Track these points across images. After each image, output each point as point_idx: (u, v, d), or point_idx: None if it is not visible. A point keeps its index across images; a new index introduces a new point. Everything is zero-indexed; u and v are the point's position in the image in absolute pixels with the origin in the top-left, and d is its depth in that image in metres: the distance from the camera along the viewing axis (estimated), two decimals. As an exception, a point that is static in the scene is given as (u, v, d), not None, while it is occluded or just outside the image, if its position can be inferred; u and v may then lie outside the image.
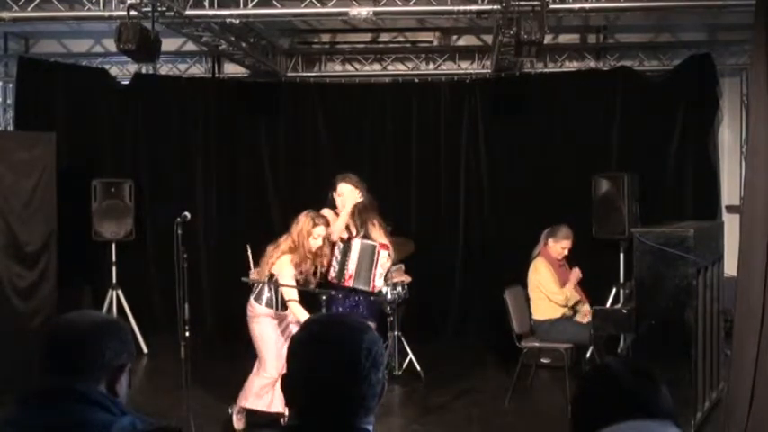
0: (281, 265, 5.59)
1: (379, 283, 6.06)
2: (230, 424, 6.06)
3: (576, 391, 2.15)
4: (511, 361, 7.02)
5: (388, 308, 7.18)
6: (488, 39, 8.70)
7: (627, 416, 1.93)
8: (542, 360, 7.58)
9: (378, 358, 1.82)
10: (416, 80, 9.69)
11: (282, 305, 5.64)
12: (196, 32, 7.45)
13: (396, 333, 7.53)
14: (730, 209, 8.74)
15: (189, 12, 6.74)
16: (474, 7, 6.73)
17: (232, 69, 9.70)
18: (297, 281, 5.65)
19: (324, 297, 5.59)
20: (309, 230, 5.64)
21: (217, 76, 9.78)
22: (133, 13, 6.35)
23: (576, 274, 7.15)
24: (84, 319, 2.18)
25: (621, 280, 8.41)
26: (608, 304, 8.03)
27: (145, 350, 8.38)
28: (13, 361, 6.03)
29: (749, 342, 5.00)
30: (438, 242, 9.21)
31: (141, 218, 8.90)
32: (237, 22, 7.11)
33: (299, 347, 1.83)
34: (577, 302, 7.13)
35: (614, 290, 8.35)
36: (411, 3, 6.86)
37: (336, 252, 5.99)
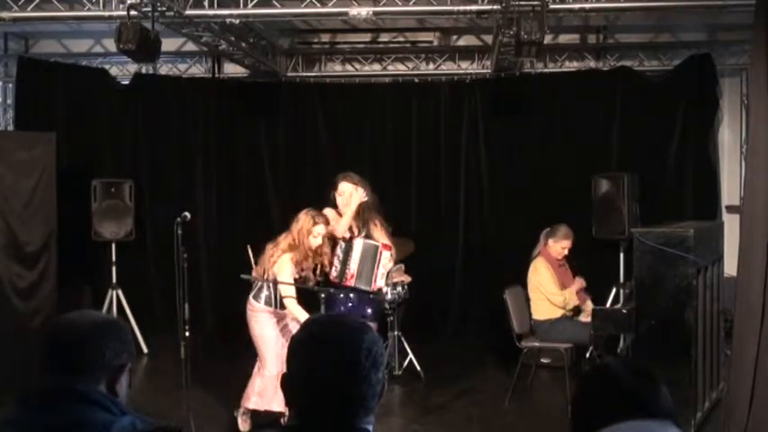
0: (281, 264, 5.59)
1: (380, 284, 6.05)
2: (231, 424, 6.06)
3: (576, 391, 2.15)
4: (511, 361, 7.02)
5: (388, 307, 7.18)
6: (488, 39, 8.70)
7: (627, 416, 1.92)
8: (542, 360, 7.57)
9: (378, 358, 1.82)
10: (416, 80, 9.69)
11: (281, 304, 5.64)
12: (196, 32, 7.45)
13: (396, 333, 7.53)
14: (730, 209, 8.74)
15: (189, 12, 6.74)
16: (474, 7, 6.73)
17: (232, 69, 9.70)
18: (296, 279, 5.65)
19: (323, 295, 5.57)
20: (309, 229, 5.65)
21: (217, 76, 9.78)
22: (133, 13, 6.36)
23: (579, 283, 7.14)
24: (84, 319, 2.18)
25: (621, 280, 8.41)
26: (608, 304, 8.03)
27: (145, 350, 8.38)
28: (13, 361, 6.03)
29: (749, 342, 5.00)
30: (438, 242, 9.21)
31: (141, 218, 8.90)
32: (237, 22, 7.11)
33: (299, 347, 1.84)
34: (577, 306, 7.13)
35: (614, 290, 8.35)
36: (411, 3, 6.86)
37: (338, 252, 5.98)
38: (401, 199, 9.14)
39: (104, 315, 2.53)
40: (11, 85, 9.56)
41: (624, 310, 6.22)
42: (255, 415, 5.88)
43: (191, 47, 9.10)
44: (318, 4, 6.94)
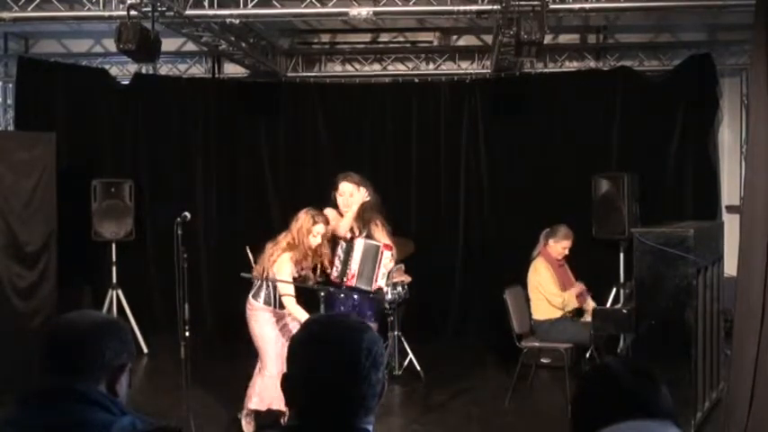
0: (281, 263, 5.59)
1: (381, 284, 6.04)
2: (231, 424, 6.07)
3: (576, 391, 2.15)
4: (511, 361, 7.02)
5: (388, 307, 7.18)
6: (488, 39, 8.70)
7: (627, 416, 1.93)
8: (542, 360, 7.57)
9: (378, 358, 1.82)
10: (416, 80, 9.69)
11: (280, 303, 5.63)
12: (196, 32, 7.45)
13: (396, 333, 7.53)
14: (730, 209, 8.74)
15: (189, 12, 6.74)
16: (474, 7, 6.73)
17: (232, 69, 9.70)
18: (295, 278, 5.64)
19: (322, 294, 5.56)
20: (309, 228, 5.64)
21: (217, 76, 9.78)
22: (133, 13, 6.36)
23: (579, 287, 7.14)
24: (84, 319, 2.18)
25: (621, 280, 8.41)
26: (608, 304, 8.03)
27: (145, 350, 8.38)
28: (13, 361, 6.03)
29: (749, 342, 5.00)
30: (438, 242, 9.21)
31: (141, 218, 8.90)
32: (237, 22, 7.11)
33: (299, 348, 1.84)
34: (579, 308, 7.12)
35: (614, 290, 8.35)
36: (411, 3, 6.86)
37: (339, 251, 5.97)
38: (401, 199, 9.14)
39: (104, 315, 2.53)
40: (11, 85, 9.57)
41: (624, 310, 6.22)
42: (257, 416, 5.86)
43: (191, 47, 9.10)
44: (318, 4, 6.94)
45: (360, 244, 5.95)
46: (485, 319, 8.83)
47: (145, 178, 9.27)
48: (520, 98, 9.13)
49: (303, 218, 5.67)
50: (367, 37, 9.10)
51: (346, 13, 6.82)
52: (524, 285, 7.08)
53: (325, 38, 9.13)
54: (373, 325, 5.82)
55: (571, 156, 9.03)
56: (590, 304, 7.12)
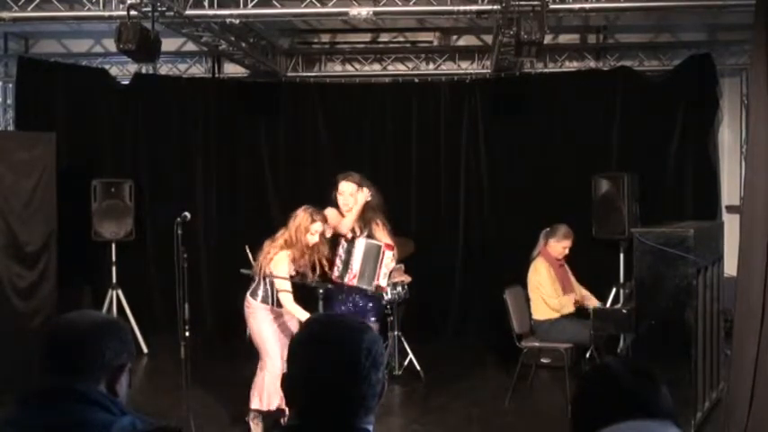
0: (278, 261, 5.58)
1: (382, 283, 6.03)
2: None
3: (576, 391, 2.15)
4: (511, 361, 7.02)
5: (388, 307, 7.18)
6: (488, 39, 8.70)
7: (627, 416, 1.93)
8: (542, 360, 7.57)
9: (378, 358, 1.82)
10: (416, 80, 9.69)
11: (278, 302, 5.62)
12: (196, 32, 7.45)
13: (396, 333, 7.54)
14: (730, 209, 8.74)
15: (189, 12, 6.74)
16: (474, 7, 6.73)
17: (232, 69, 9.70)
18: (293, 276, 5.63)
19: (321, 291, 5.54)
20: (307, 226, 5.63)
21: (217, 76, 9.78)
22: (133, 13, 6.36)
23: (580, 296, 7.13)
24: (84, 319, 2.18)
25: (621, 280, 8.41)
26: (608, 304, 8.02)
27: (145, 350, 8.38)
28: (13, 361, 6.03)
29: (749, 342, 5.00)
30: (438, 242, 9.21)
31: (141, 218, 8.90)
32: (237, 22, 7.11)
33: (299, 348, 1.84)
34: (577, 302, 7.12)
35: (614, 290, 8.34)
36: (411, 3, 6.86)
37: (340, 251, 5.96)
38: (401, 199, 9.13)
39: (104, 315, 2.53)
40: (11, 85, 9.57)
41: (624, 310, 6.22)
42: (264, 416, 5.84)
43: (191, 47, 9.10)
44: (318, 4, 6.94)
45: (361, 244, 5.94)
46: (485, 319, 8.83)
47: (145, 178, 9.27)
48: (520, 98, 9.13)
49: (301, 216, 5.66)
50: (367, 37, 9.09)
51: (346, 13, 6.82)
52: (524, 285, 7.08)
53: (326, 38, 9.13)
54: (374, 325, 5.82)
55: (571, 156, 9.03)
56: (593, 302, 7.11)
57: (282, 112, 9.54)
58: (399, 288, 7.25)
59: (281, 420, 5.59)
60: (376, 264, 5.91)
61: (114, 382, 2.12)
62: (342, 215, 6.03)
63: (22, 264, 7.21)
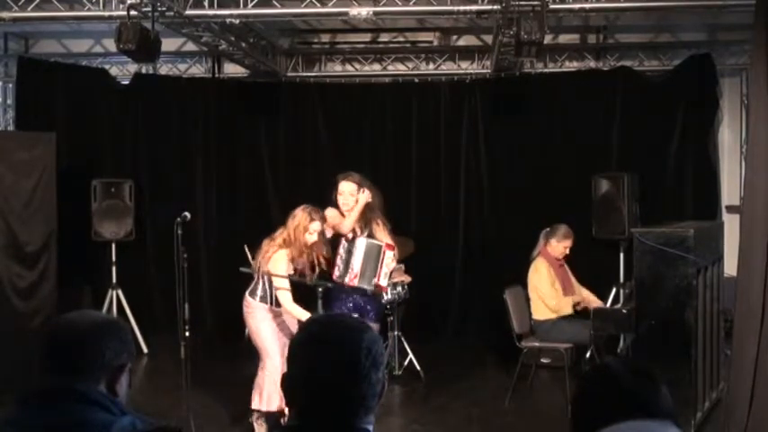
0: (276, 259, 5.57)
1: (383, 283, 6.02)
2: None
3: (576, 391, 2.14)
4: (511, 361, 7.02)
5: (388, 307, 7.17)
6: (488, 39, 8.70)
7: (627, 416, 1.93)
8: (542, 360, 7.57)
9: (378, 358, 1.82)
10: (416, 80, 9.69)
11: (277, 301, 5.62)
12: (196, 32, 7.45)
13: (396, 333, 7.54)
14: (730, 209, 8.74)
15: (189, 12, 6.74)
16: (474, 7, 6.73)
17: (232, 69, 9.71)
18: (291, 274, 5.63)
19: (320, 289, 5.54)
20: (306, 226, 5.62)
21: (217, 76, 9.78)
22: (133, 13, 6.36)
23: (581, 298, 7.13)
24: (84, 319, 2.18)
25: (621, 280, 8.41)
26: (608, 304, 8.02)
27: (145, 350, 8.38)
28: (13, 361, 6.03)
29: (749, 342, 5.00)
30: (438, 242, 9.21)
31: (141, 218, 8.90)
32: (237, 22, 7.11)
33: (299, 348, 1.84)
34: (578, 304, 7.12)
35: (614, 290, 8.34)
36: (411, 3, 6.86)
37: (341, 251, 5.95)
38: (401, 199, 9.13)
39: (104, 315, 2.53)
40: (11, 85, 9.57)
41: (624, 310, 6.22)
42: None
43: (191, 47, 9.10)
44: (318, 4, 6.94)
45: (362, 243, 5.93)
46: (485, 319, 8.83)
47: (145, 178, 9.27)
48: (520, 98, 9.13)
49: (300, 215, 5.65)
50: (367, 37, 9.10)
51: (346, 13, 6.82)
52: (524, 285, 7.08)
53: (326, 38, 9.13)
54: (374, 325, 5.81)
55: (571, 156, 9.03)
56: (595, 302, 7.12)
57: (282, 112, 9.54)
58: (399, 288, 7.25)
59: (282, 421, 5.59)
60: (377, 263, 5.90)
61: (114, 382, 2.12)
62: (342, 215, 6.02)
63: (22, 264, 7.21)
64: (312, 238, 5.65)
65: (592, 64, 9.41)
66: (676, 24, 8.93)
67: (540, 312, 6.98)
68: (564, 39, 9.25)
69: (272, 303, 5.66)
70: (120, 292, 8.43)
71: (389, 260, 5.98)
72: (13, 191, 7.16)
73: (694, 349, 5.52)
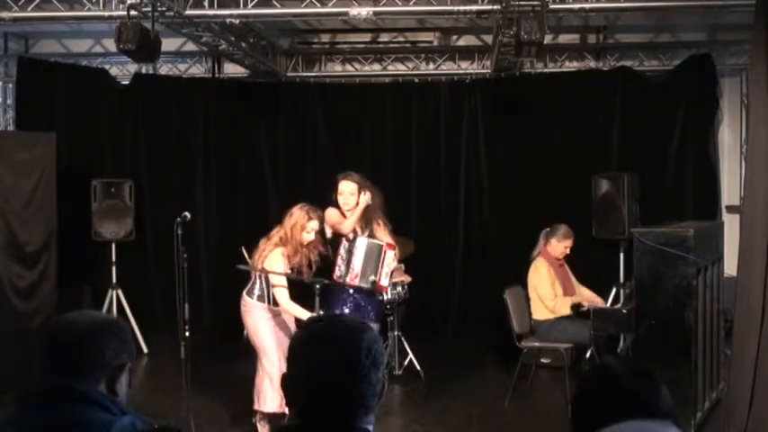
0: (273, 258, 5.57)
1: (384, 283, 6.02)
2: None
3: (576, 391, 2.14)
4: (511, 361, 7.02)
5: (388, 307, 7.17)
6: (488, 39, 8.70)
7: (627, 416, 1.93)
8: (542, 360, 7.57)
9: (378, 358, 1.82)
10: (416, 80, 9.69)
11: (275, 300, 5.61)
12: (196, 32, 7.45)
13: (396, 333, 7.54)
14: (730, 209, 8.74)
15: (189, 12, 6.74)
16: (474, 7, 6.73)
17: (232, 69, 9.71)
18: (288, 272, 5.62)
19: (317, 287, 5.53)
20: (304, 224, 5.61)
21: (217, 76, 9.78)
22: (133, 13, 6.36)
23: (582, 299, 7.13)
24: (84, 319, 2.18)
25: (621, 280, 8.41)
26: (608, 304, 8.02)
27: (145, 350, 8.38)
28: (13, 361, 6.03)
29: (749, 342, 5.00)
30: (438, 242, 9.21)
31: (141, 218, 8.90)
32: (237, 22, 7.11)
33: (299, 348, 1.84)
34: (580, 305, 7.12)
35: (614, 290, 8.34)
36: (411, 3, 6.86)
37: (342, 251, 5.94)
38: (401, 199, 9.13)
39: (104, 315, 2.53)
40: (11, 85, 9.57)
41: (624, 310, 6.23)
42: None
43: (191, 47, 9.10)
44: (318, 4, 6.94)
45: (363, 243, 5.92)
46: (485, 319, 8.83)
47: (145, 178, 9.27)
48: (520, 98, 9.13)
49: (298, 214, 5.64)
50: (367, 37, 9.09)
51: (346, 13, 6.82)
52: (524, 285, 7.08)
53: (326, 38, 9.13)
54: (374, 325, 5.81)
55: (571, 156, 9.03)
56: (597, 302, 7.12)
57: (282, 112, 9.54)
58: (399, 288, 7.25)
59: (282, 421, 5.58)
60: (377, 263, 5.90)
61: (114, 382, 2.12)
62: (343, 215, 6.02)
63: (22, 264, 7.21)
64: (309, 237, 5.64)
65: (592, 64, 9.41)
66: (676, 24, 8.93)
67: (540, 312, 6.98)
68: (564, 39, 9.25)
69: (269, 302, 5.65)
70: (120, 292, 8.44)
71: (390, 260, 5.97)
72: (13, 191, 7.16)
73: (694, 349, 5.52)
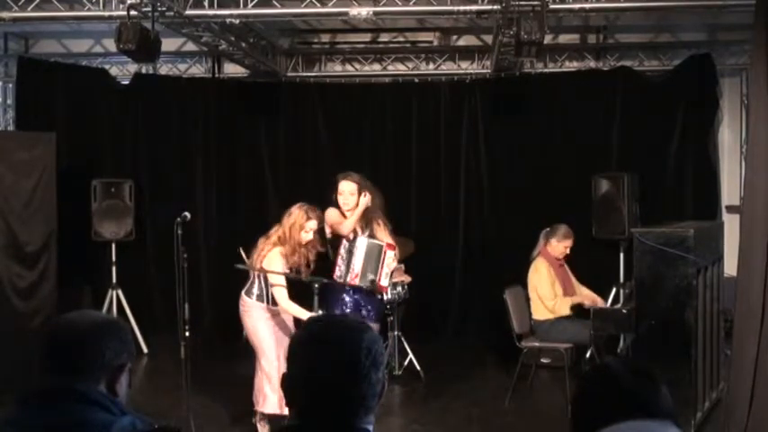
0: (271, 257, 5.56)
1: (384, 283, 6.02)
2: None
3: (576, 391, 2.14)
4: (511, 361, 7.02)
5: (388, 307, 7.17)
6: (488, 39, 8.70)
7: (627, 416, 1.93)
8: (542, 360, 7.57)
9: (378, 358, 1.82)
10: (416, 80, 9.69)
11: (273, 300, 5.60)
12: (196, 32, 7.45)
13: (396, 333, 7.54)
14: (730, 209, 8.74)
15: (189, 12, 6.74)
16: (474, 7, 6.73)
17: (232, 69, 9.70)
18: (286, 271, 5.62)
19: (316, 286, 5.52)
20: (302, 224, 5.61)
21: (217, 76, 9.78)
22: (133, 13, 6.35)
23: (583, 299, 7.14)
24: (84, 319, 2.18)
25: (621, 280, 8.41)
26: (608, 304, 8.02)
27: (145, 350, 8.38)
28: (13, 361, 6.03)
29: (749, 342, 5.00)
30: (438, 242, 9.21)
31: (141, 218, 8.90)
32: (237, 22, 7.11)
33: (299, 348, 1.84)
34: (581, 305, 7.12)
35: (614, 290, 8.34)
36: (411, 3, 6.86)
37: (342, 251, 5.94)
38: (401, 199, 9.12)
39: (104, 315, 2.53)
40: (11, 85, 9.57)
41: (624, 310, 6.22)
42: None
43: (191, 47, 9.10)
44: (318, 4, 6.94)
45: (363, 243, 5.92)
46: (485, 319, 8.83)
47: (145, 178, 9.27)
48: (520, 98, 9.13)
49: (296, 213, 5.64)
50: (367, 37, 9.09)
51: (346, 13, 6.82)
52: (524, 285, 7.08)
53: (326, 38, 9.13)
54: (374, 325, 5.80)
55: (571, 156, 9.03)
56: (598, 302, 7.12)
57: (282, 112, 9.54)
58: (399, 288, 7.25)
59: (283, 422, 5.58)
60: (378, 263, 5.89)
61: (114, 382, 2.12)
62: (343, 215, 6.02)
63: (22, 264, 7.21)
64: (308, 236, 5.63)
65: (592, 64, 9.41)
66: (676, 24, 8.93)
67: (540, 312, 6.98)
68: (564, 39, 9.25)
69: (268, 302, 5.65)
70: (120, 292, 8.44)
71: (390, 260, 5.97)
72: (13, 191, 7.16)
73: (694, 349, 5.52)
